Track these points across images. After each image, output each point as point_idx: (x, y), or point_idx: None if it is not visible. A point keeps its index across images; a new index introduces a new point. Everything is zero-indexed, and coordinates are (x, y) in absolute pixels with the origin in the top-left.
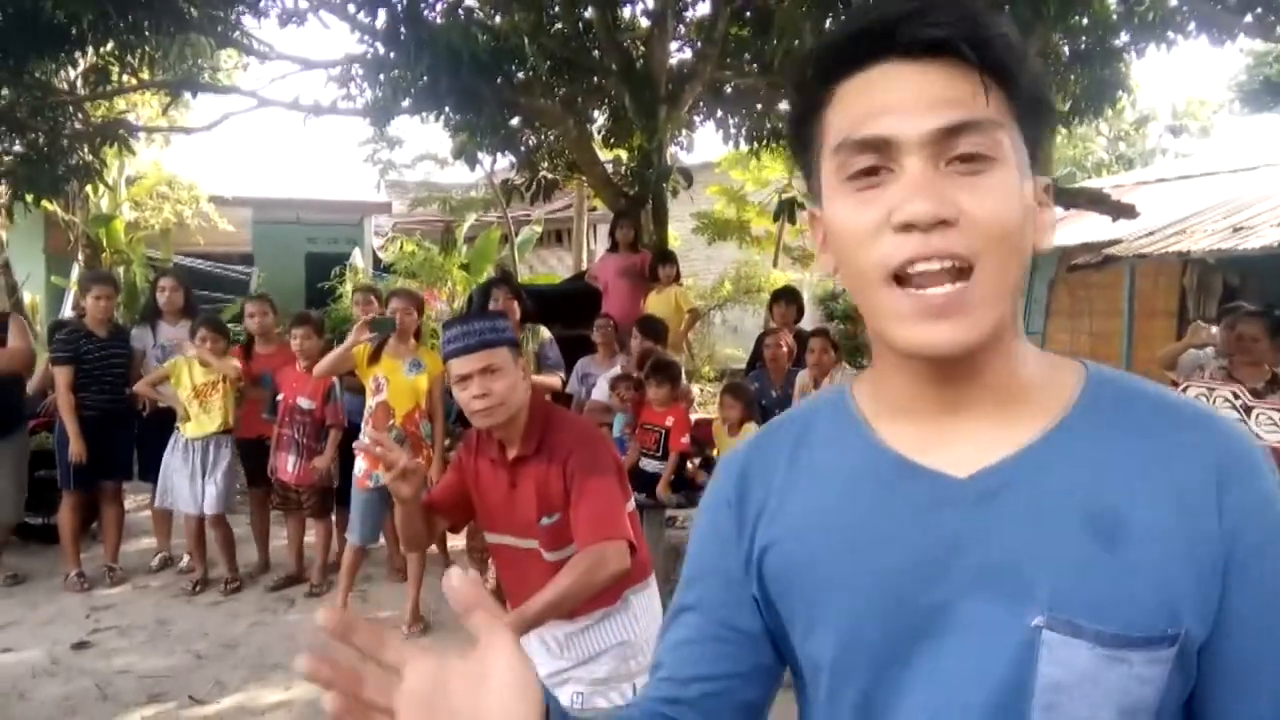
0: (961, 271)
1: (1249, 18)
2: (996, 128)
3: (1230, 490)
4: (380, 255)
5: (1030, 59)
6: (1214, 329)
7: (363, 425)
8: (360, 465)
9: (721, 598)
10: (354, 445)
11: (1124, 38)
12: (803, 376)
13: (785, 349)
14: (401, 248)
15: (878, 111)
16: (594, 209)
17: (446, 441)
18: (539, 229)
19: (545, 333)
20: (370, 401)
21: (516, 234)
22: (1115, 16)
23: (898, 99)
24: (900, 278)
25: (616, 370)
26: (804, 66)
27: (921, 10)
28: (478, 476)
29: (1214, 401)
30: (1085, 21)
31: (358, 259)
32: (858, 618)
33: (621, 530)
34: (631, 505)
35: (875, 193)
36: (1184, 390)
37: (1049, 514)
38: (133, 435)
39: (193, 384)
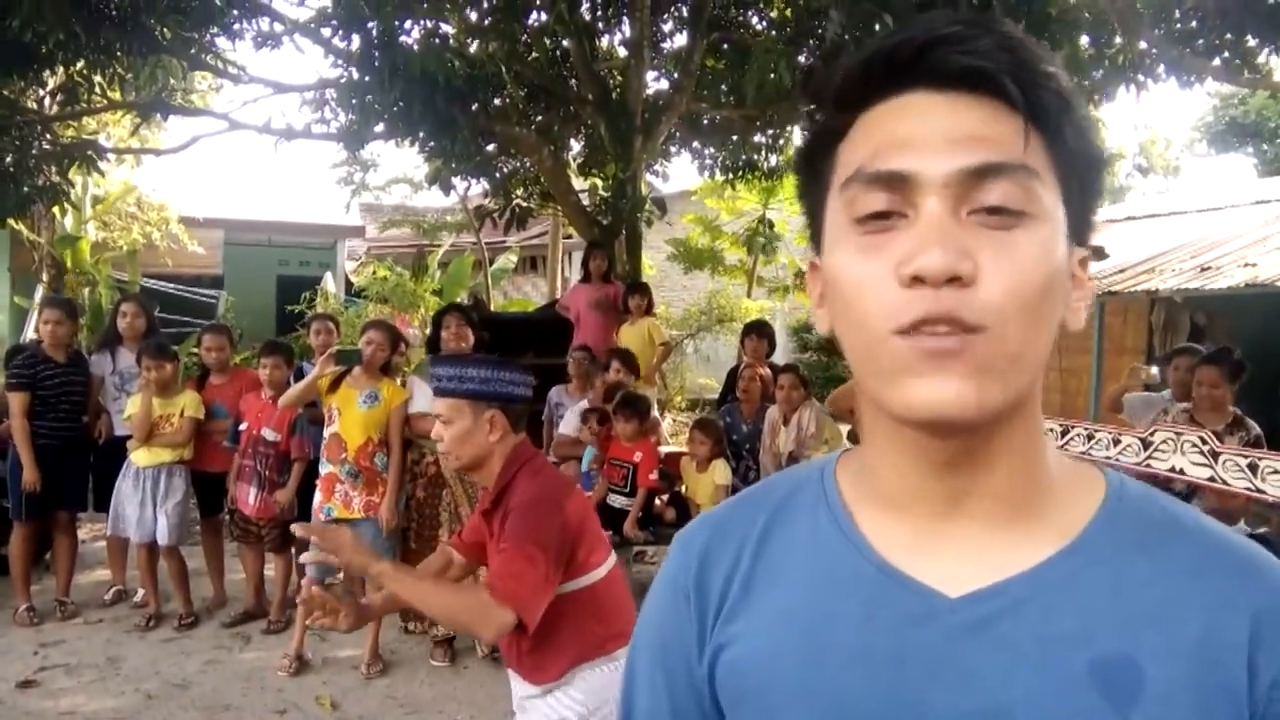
0: (971, 331)
1: (1217, 61)
2: (1033, 178)
3: (1268, 646)
4: (353, 279)
5: (1080, 108)
6: (1154, 369)
7: (321, 457)
8: (316, 499)
9: (678, 707)
10: (301, 557)
11: (1094, 78)
12: (772, 411)
13: (758, 385)
14: (375, 273)
15: (897, 145)
16: (569, 236)
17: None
18: (514, 256)
19: None
20: (325, 433)
21: (491, 260)
22: (1086, 58)
23: (921, 132)
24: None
25: (585, 403)
26: (821, 91)
27: (960, 35)
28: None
29: (1182, 446)
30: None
31: (329, 283)
32: None
33: (518, 603)
34: (604, 571)
35: (885, 238)
36: (1151, 434)
37: (1052, 657)
38: (88, 464)
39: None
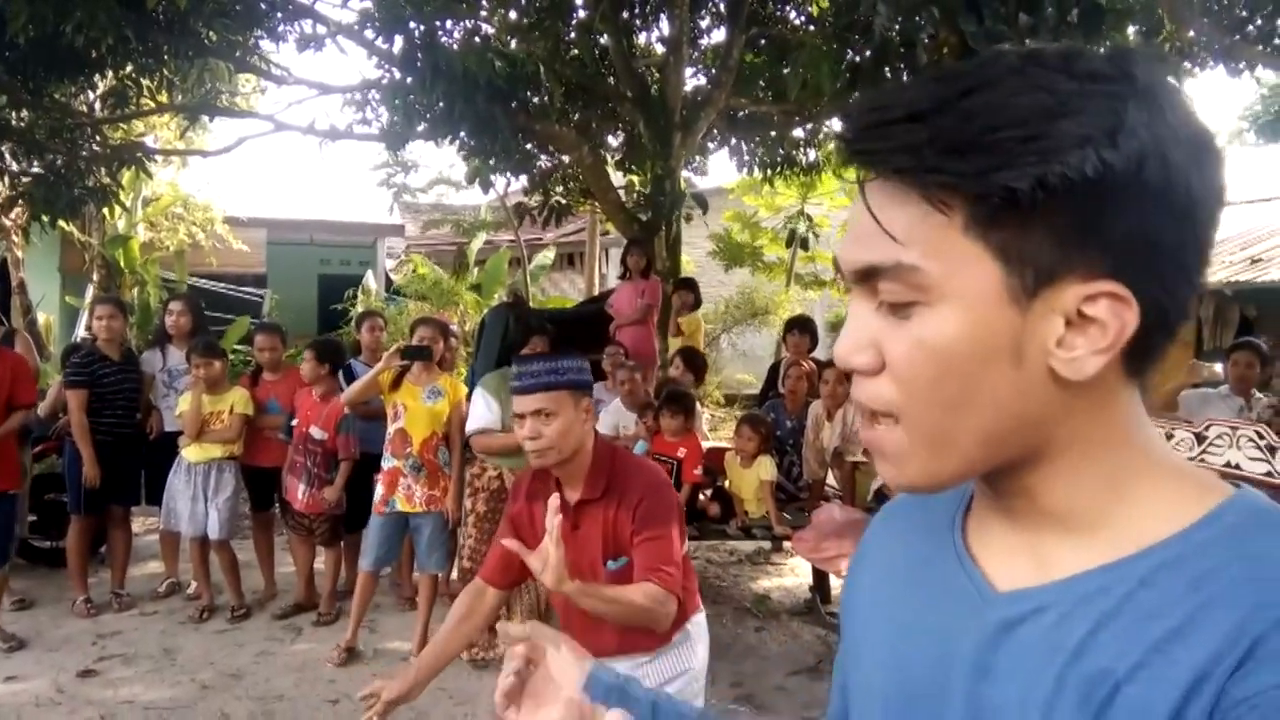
0: (888, 416)
1: (1266, 48)
2: (909, 272)
3: (1251, 674)
4: (393, 277)
5: (1037, 133)
6: (1216, 366)
7: (383, 452)
8: (378, 491)
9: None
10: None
11: None
12: (816, 407)
13: (805, 383)
14: (414, 270)
15: (846, 231)
16: (606, 233)
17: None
18: (551, 253)
19: None
20: (389, 429)
21: (529, 258)
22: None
23: (850, 223)
24: None
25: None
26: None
27: (866, 130)
28: (532, 520)
29: (1238, 441)
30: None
31: (370, 281)
32: (871, 699)
33: (676, 586)
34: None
35: None
36: (1206, 428)
37: (1057, 665)
38: (142, 459)
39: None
